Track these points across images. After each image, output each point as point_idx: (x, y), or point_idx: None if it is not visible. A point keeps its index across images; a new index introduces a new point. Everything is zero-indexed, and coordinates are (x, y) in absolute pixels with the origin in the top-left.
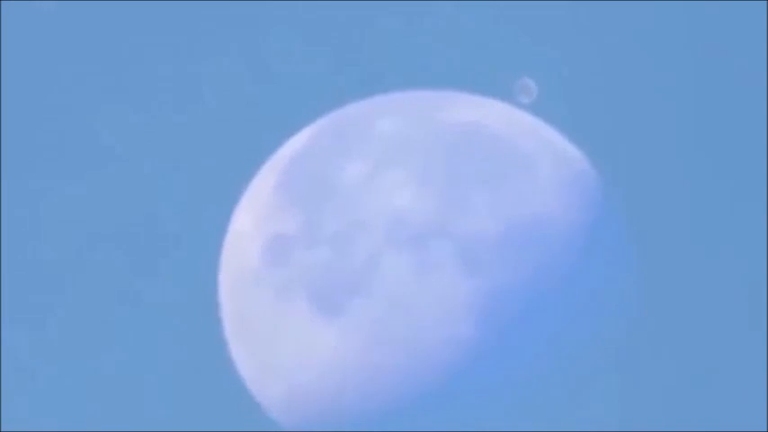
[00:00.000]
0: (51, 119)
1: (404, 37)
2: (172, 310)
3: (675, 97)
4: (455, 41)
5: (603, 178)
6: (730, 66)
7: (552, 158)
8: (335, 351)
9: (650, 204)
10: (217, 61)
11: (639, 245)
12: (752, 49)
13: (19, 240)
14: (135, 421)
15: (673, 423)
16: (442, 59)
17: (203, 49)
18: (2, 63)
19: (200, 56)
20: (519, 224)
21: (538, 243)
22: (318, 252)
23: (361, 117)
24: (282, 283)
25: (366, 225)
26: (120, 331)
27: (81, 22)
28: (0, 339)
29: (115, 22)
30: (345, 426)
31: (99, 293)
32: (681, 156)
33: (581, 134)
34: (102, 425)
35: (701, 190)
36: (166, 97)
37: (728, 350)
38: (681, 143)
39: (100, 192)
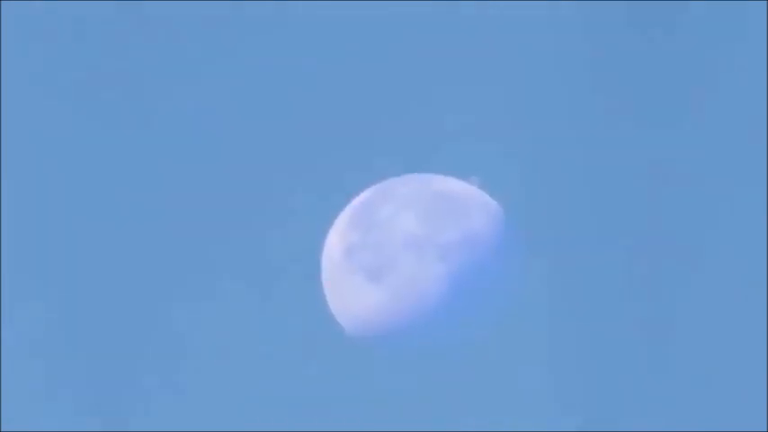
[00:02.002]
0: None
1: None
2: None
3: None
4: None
5: (508, 217)
6: (730, 66)
7: (481, 206)
8: (379, 299)
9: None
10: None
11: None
12: (752, 49)
13: None
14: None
15: (673, 423)
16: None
17: None
18: None
19: None
20: (465, 237)
21: (472, 248)
22: (368, 252)
23: (388, 185)
24: (351, 267)
25: (391, 239)
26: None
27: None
28: (0, 339)
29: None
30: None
31: None
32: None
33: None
34: None
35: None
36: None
37: (728, 350)
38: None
39: None
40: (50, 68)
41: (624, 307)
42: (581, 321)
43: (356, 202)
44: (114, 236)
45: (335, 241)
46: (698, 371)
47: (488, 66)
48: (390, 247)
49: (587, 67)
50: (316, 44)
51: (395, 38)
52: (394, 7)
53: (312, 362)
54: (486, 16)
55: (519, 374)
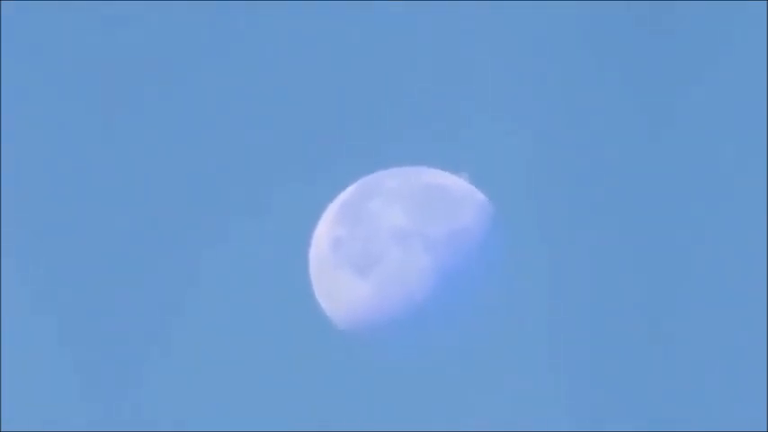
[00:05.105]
0: None
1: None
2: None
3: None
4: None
5: (497, 212)
6: (729, 66)
7: (471, 200)
8: (366, 292)
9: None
10: None
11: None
12: (752, 49)
13: None
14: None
15: (673, 423)
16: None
17: None
18: None
19: None
20: (453, 231)
21: (460, 242)
22: (356, 245)
23: (377, 177)
24: (338, 260)
25: (379, 232)
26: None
27: None
28: (0, 339)
29: None
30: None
31: None
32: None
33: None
34: None
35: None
36: None
37: (728, 350)
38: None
39: None
40: (50, 68)
41: (620, 305)
42: (574, 318)
43: (344, 194)
44: (105, 233)
45: (324, 234)
46: (698, 371)
47: (484, 63)
48: (378, 240)
49: (585, 66)
50: (313, 40)
51: (392, 35)
52: (393, 7)
53: (299, 355)
54: (486, 16)
55: (513, 372)
